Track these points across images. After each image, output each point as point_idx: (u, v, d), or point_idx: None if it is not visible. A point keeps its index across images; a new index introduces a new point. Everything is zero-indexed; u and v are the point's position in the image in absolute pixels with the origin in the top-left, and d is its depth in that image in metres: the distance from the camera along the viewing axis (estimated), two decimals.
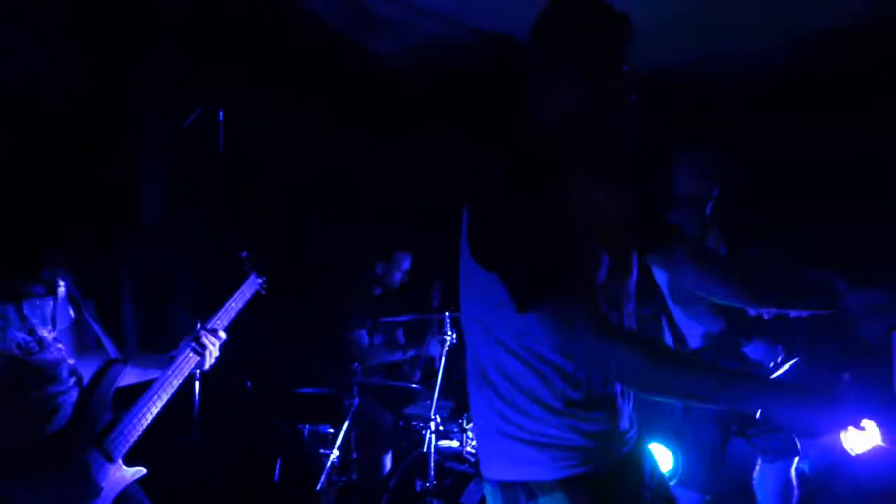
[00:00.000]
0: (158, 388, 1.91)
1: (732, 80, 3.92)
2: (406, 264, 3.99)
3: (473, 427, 1.60)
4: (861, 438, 3.60)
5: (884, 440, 3.54)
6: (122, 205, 3.43)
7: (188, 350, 2.00)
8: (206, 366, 2.03)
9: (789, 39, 3.65)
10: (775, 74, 3.79)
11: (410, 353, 3.87)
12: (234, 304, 2.18)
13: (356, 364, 3.35)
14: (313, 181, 4.00)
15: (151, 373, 2.01)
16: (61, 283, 1.91)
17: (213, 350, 2.03)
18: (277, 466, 3.43)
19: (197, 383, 3.24)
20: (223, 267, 3.64)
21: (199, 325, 2.07)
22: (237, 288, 2.23)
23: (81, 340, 2.00)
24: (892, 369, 3.73)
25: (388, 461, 3.71)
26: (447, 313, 3.23)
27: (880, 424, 3.55)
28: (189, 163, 3.53)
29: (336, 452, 3.09)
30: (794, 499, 3.04)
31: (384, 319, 3.68)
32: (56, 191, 3.00)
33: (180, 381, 1.97)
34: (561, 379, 1.36)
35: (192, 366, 2.01)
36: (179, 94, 3.44)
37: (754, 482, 3.09)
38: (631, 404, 1.49)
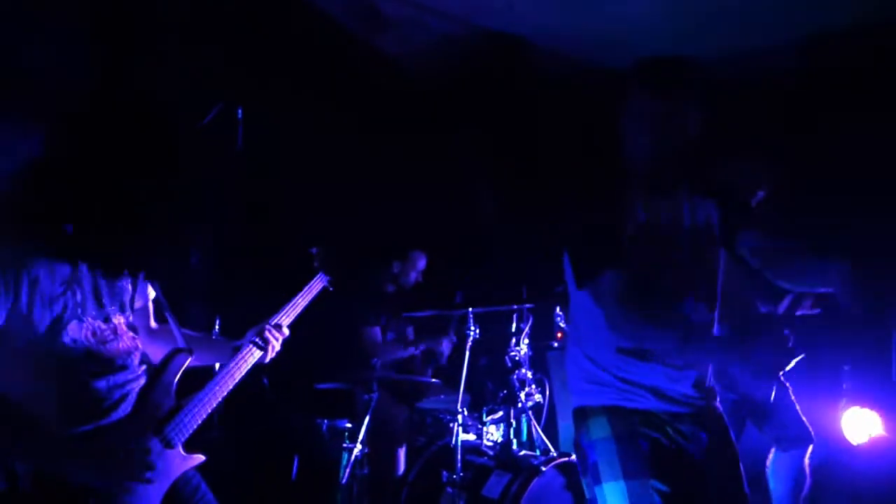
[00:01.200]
0: (220, 380, 1.94)
1: (736, 79, 4.00)
2: (422, 264, 4.03)
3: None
4: (862, 428, 3.74)
5: (885, 429, 3.68)
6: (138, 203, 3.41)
7: (250, 344, 2.03)
8: (267, 359, 2.06)
9: (792, 38, 3.75)
10: (779, 74, 3.89)
11: (421, 347, 3.91)
12: (301, 301, 2.20)
13: (375, 359, 3.38)
14: (331, 179, 4.02)
15: (214, 359, 2.04)
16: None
17: (275, 345, 2.06)
18: (295, 463, 3.45)
19: None
20: (240, 264, 3.67)
21: (267, 321, 2.10)
22: (304, 284, 2.25)
23: (156, 318, 2.04)
24: (892, 358, 3.87)
25: (402, 456, 3.75)
26: (470, 309, 3.27)
27: (881, 413, 3.68)
28: (207, 159, 3.53)
29: (359, 446, 3.11)
30: (806, 487, 3.13)
31: (405, 315, 3.71)
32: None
33: (242, 374, 1.99)
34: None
35: (255, 360, 2.03)
36: (199, 91, 3.44)
37: (767, 470, 3.17)
38: (693, 376, 1.76)
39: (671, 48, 4.03)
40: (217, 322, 3.27)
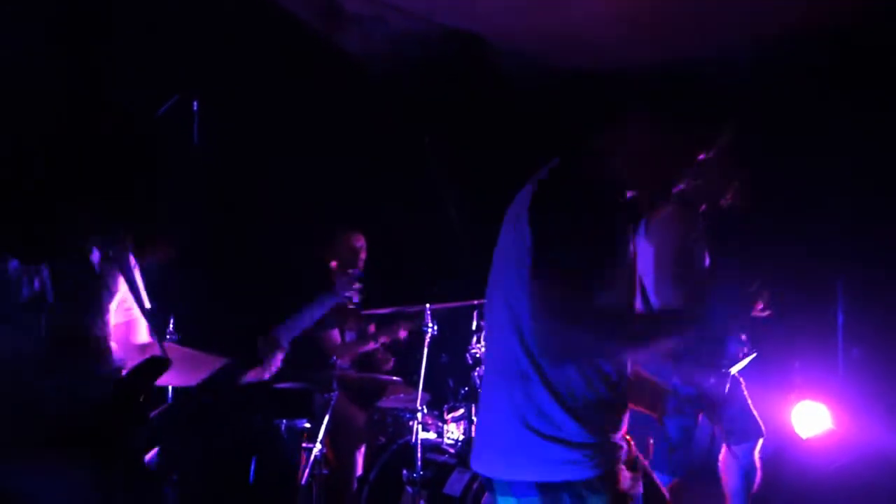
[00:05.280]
0: None
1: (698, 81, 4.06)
2: (358, 243, 3.95)
3: (484, 421, 1.59)
4: (812, 422, 3.85)
5: (834, 423, 3.80)
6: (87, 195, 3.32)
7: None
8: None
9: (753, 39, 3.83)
10: (741, 74, 3.96)
11: (382, 339, 3.88)
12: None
13: (335, 357, 3.34)
14: (290, 177, 3.97)
15: None
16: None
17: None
18: (253, 464, 3.38)
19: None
20: (194, 259, 3.59)
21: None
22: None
23: None
24: (838, 350, 4.00)
25: (361, 455, 3.71)
26: (427, 305, 3.26)
27: (830, 408, 3.80)
28: (161, 153, 3.45)
29: (318, 446, 3.08)
30: (757, 480, 3.20)
31: (363, 313, 3.68)
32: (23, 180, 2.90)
33: None
34: (599, 377, 1.48)
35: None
36: (153, 83, 3.36)
37: (720, 465, 3.24)
38: None
39: (631, 50, 4.13)
40: (171, 321, 3.18)
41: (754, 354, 3.16)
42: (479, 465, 1.56)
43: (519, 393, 1.46)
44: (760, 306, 3.18)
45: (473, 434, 3.23)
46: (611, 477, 1.45)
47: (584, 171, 1.55)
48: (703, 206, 2.91)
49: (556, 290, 1.39)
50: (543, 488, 1.42)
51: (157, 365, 1.77)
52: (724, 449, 3.19)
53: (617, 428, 1.51)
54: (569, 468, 1.42)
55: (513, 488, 1.45)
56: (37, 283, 1.67)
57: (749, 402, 3.12)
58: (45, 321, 1.66)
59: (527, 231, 1.47)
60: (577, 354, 1.45)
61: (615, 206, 1.56)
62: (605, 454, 1.46)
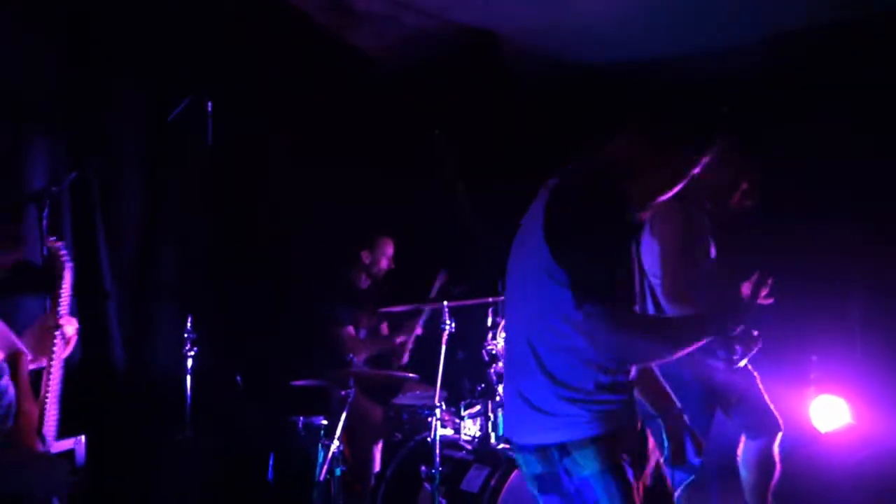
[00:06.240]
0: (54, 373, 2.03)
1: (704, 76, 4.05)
2: (390, 250, 3.99)
3: (508, 402, 1.81)
4: (830, 416, 3.82)
5: (852, 417, 3.77)
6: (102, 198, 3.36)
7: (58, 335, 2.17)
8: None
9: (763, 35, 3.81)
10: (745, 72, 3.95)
11: (398, 340, 3.89)
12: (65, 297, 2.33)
13: (351, 355, 3.35)
14: (303, 175, 3.98)
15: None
16: None
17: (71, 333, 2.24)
18: (271, 461, 3.41)
19: (188, 378, 3.20)
20: (210, 260, 3.62)
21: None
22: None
23: None
24: (856, 344, 3.96)
25: (379, 452, 3.73)
26: (445, 303, 3.26)
27: (849, 401, 3.77)
28: (176, 154, 3.48)
29: (336, 443, 3.09)
30: (776, 475, 3.17)
31: (381, 310, 3.69)
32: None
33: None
34: (594, 367, 1.65)
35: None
36: (166, 85, 3.38)
37: (738, 459, 3.21)
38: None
39: (643, 44, 4.10)
40: (189, 320, 3.20)
41: (758, 340, 3.12)
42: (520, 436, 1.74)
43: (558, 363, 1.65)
44: (765, 293, 3.14)
45: (491, 430, 3.23)
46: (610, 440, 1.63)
47: (597, 181, 1.65)
48: (708, 204, 2.86)
49: (598, 306, 1.55)
50: (540, 450, 1.68)
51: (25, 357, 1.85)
52: (741, 444, 3.16)
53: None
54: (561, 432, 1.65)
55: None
56: None
57: (765, 396, 3.10)
58: None
59: (545, 247, 1.61)
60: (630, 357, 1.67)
61: (624, 219, 1.67)
62: (615, 416, 1.65)
